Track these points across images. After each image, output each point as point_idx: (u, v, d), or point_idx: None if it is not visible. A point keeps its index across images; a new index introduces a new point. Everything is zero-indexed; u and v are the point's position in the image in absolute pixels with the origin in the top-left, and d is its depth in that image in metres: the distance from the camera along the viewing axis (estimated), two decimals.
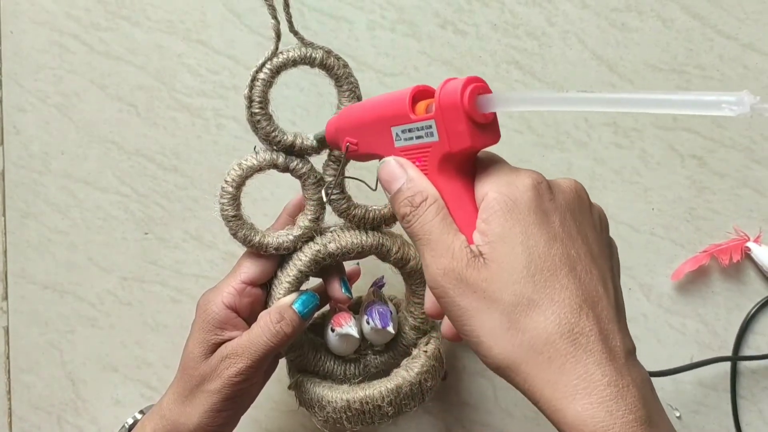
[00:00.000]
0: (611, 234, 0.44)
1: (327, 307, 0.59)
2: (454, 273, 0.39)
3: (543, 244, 0.38)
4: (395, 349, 0.59)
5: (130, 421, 0.58)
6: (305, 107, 0.66)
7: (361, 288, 0.62)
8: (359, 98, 0.53)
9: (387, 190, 0.43)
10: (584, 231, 0.41)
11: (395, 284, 0.60)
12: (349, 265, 0.59)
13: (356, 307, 0.59)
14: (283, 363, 0.59)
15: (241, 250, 0.55)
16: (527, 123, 0.65)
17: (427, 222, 0.41)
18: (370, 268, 0.60)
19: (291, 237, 0.53)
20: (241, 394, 0.52)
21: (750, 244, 0.64)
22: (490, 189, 0.40)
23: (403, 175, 0.42)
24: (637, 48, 0.64)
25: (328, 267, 0.55)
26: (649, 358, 0.56)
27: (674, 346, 0.65)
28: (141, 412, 0.59)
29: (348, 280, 0.57)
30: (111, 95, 0.68)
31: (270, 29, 0.66)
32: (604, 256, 0.41)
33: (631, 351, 0.38)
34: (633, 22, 0.64)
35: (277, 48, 0.51)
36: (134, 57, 0.67)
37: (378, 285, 0.59)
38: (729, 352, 0.64)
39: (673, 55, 0.64)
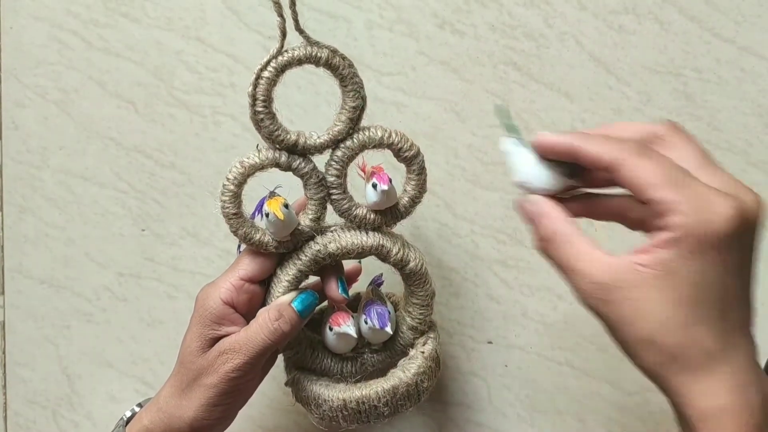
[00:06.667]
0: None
1: (325, 303, 0.59)
2: (596, 293, 0.41)
3: (718, 285, 0.39)
4: (392, 348, 0.58)
5: (128, 413, 0.58)
6: (303, 106, 0.66)
7: (360, 284, 0.62)
8: (364, 99, 0.53)
9: None
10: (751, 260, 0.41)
11: (394, 283, 0.60)
12: (349, 263, 0.59)
13: (355, 304, 0.59)
14: (280, 359, 0.59)
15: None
16: (525, 123, 0.65)
17: (558, 257, 0.43)
18: (370, 264, 0.59)
19: (291, 236, 0.53)
20: (237, 389, 0.53)
21: None
22: (676, 206, 0.39)
23: (536, 214, 0.44)
24: (634, 50, 0.64)
25: (327, 266, 0.55)
26: None
27: None
28: (139, 405, 0.59)
29: (348, 278, 0.57)
30: (110, 91, 0.68)
31: (269, 27, 0.67)
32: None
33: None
34: (630, 25, 0.64)
35: (282, 46, 0.50)
36: (133, 53, 0.68)
37: (377, 283, 0.59)
38: None
39: (670, 58, 0.64)
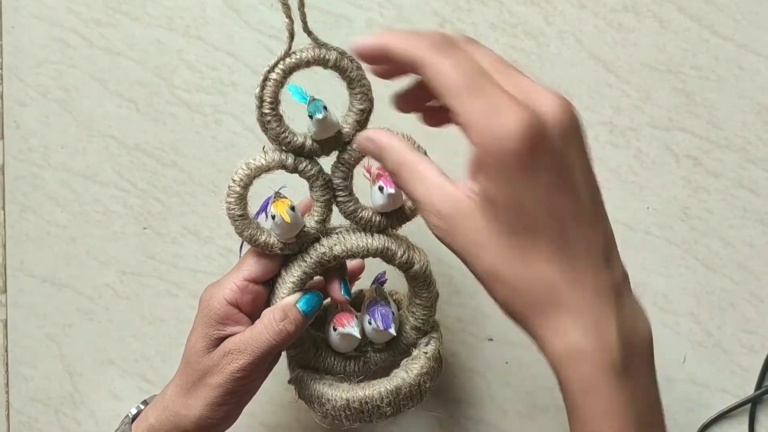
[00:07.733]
0: None
1: (328, 300, 0.59)
2: (440, 224, 0.39)
3: (540, 208, 0.36)
4: (395, 348, 0.59)
5: (134, 411, 0.58)
6: (302, 106, 0.66)
7: (363, 281, 0.62)
8: (371, 101, 0.52)
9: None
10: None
11: (397, 280, 0.60)
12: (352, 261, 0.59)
13: (358, 302, 0.59)
14: (283, 357, 0.59)
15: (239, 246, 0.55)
16: None
17: (406, 189, 0.41)
18: (373, 262, 0.60)
19: (296, 238, 0.53)
20: (242, 389, 0.53)
21: None
22: (468, 119, 0.36)
23: (378, 149, 0.43)
24: (633, 48, 0.65)
25: (331, 267, 0.55)
26: None
27: (667, 344, 0.65)
28: (144, 402, 0.59)
29: (351, 275, 0.57)
30: (111, 90, 0.68)
31: (269, 26, 0.67)
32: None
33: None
34: (630, 23, 0.64)
35: (290, 48, 0.50)
36: (134, 52, 0.68)
37: (380, 281, 0.59)
38: (722, 352, 0.65)
39: (669, 56, 0.64)
